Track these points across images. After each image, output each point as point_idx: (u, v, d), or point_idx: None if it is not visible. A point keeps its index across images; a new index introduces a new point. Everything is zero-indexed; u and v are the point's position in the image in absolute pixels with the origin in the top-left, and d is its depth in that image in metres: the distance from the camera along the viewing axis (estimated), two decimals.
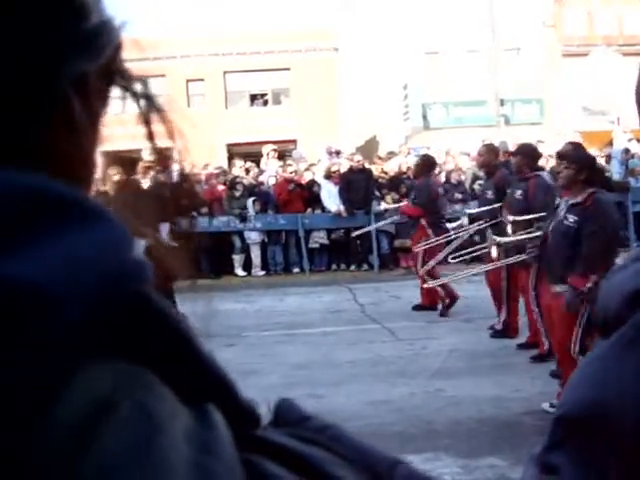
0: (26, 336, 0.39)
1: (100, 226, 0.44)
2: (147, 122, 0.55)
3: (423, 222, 10.19)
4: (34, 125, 0.47)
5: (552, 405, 5.48)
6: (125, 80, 0.54)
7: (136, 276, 0.45)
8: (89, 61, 0.49)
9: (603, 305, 0.76)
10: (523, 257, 6.44)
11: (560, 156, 5.87)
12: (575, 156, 5.58)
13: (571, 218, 5.38)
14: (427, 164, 10.88)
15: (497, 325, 8.60)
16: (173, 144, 0.56)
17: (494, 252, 6.93)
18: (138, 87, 0.55)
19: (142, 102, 0.55)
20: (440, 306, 10.07)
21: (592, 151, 16.27)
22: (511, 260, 6.79)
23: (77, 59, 0.48)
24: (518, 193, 7.52)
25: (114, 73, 0.53)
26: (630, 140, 16.92)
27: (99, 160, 0.53)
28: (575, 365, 5.57)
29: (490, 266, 7.18)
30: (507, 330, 8.28)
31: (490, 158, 9.00)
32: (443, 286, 9.92)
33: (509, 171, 8.35)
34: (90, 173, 0.53)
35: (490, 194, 8.60)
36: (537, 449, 0.78)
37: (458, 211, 15.20)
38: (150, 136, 0.55)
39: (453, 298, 9.99)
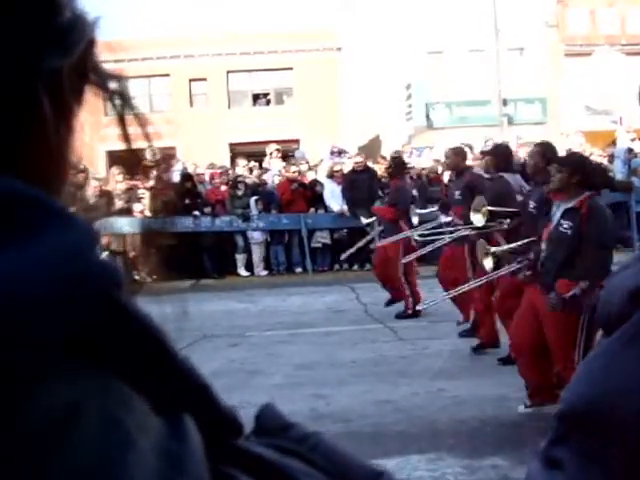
0: None
1: (64, 230, 0.43)
2: (122, 121, 0.53)
3: (402, 224, 10.11)
4: (4, 125, 0.45)
5: (526, 406, 5.51)
6: (100, 77, 0.52)
7: (107, 280, 0.43)
8: (62, 57, 0.48)
9: (606, 303, 0.77)
10: (514, 267, 6.33)
11: (552, 160, 5.85)
12: (567, 159, 5.56)
13: (565, 224, 5.30)
14: (400, 164, 10.91)
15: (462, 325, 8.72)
16: (149, 145, 0.55)
17: (489, 263, 6.79)
18: (113, 85, 0.53)
19: (117, 101, 0.53)
20: (405, 305, 10.05)
21: (595, 151, 16.32)
22: (503, 271, 6.68)
23: (50, 55, 0.47)
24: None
25: (88, 70, 0.51)
26: (633, 140, 16.90)
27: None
28: (537, 366, 5.60)
29: (484, 279, 7.01)
30: (476, 329, 8.14)
31: (457, 161, 9.02)
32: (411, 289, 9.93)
33: (513, 171, 8.31)
34: (63, 172, 0.51)
35: (457, 194, 8.58)
36: (542, 444, 0.79)
37: None
38: (125, 137, 0.54)
39: (417, 299, 9.98)
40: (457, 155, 9.05)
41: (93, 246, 0.43)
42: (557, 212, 5.43)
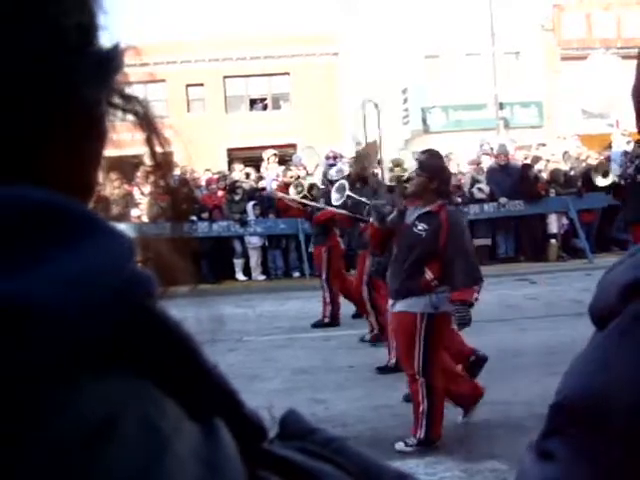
0: (28, 352, 0.39)
1: (101, 239, 0.44)
2: (150, 146, 0.55)
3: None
4: (38, 139, 0.47)
5: (407, 444, 5.21)
6: (123, 99, 0.53)
7: (139, 289, 0.44)
8: (100, 84, 0.50)
9: (599, 298, 0.78)
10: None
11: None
12: (428, 165, 5.41)
13: (420, 226, 5.19)
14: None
15: (367, 336, 8.77)
16: (151, 150, 0.56)
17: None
18: (138, 107, 0.54)
19: (142, 123, 0.54)
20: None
21: (592, 154, 16.33)
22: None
23: (90, 83, 0.49)
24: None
25: (114, 91, 0.53)
26: (629, 143, 16.92)
27: (100, 172, 0.53)
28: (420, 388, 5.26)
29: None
30: (383, 334, 8.09)
31: (358, 169, 9.07)
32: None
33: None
34: (90, 187, 0.52)
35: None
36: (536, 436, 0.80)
37: None
38: (154, 157, 0.55)
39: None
40: (358, 163, 9.20)
41: (132, 255, 0.45)
42: (412, 216, 5.31)
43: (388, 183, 8.39)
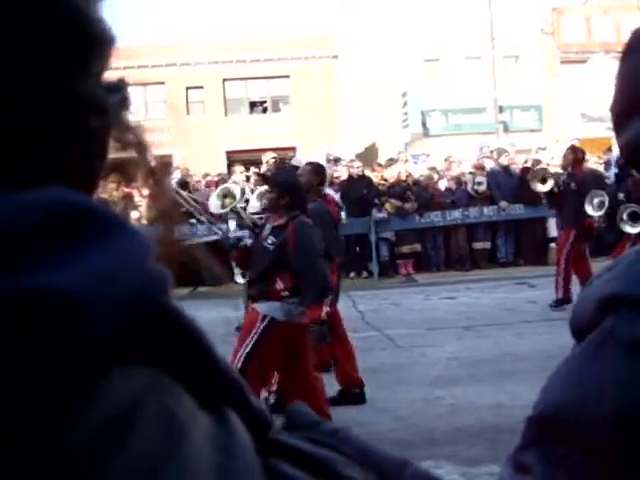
0: (60, 341, 0.41)
1: (126, 238, 0.46)
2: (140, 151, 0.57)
3: None
4: (58, 142, 0.49)
5: None
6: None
7: (159, 286, 0.47)
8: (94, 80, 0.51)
9: (578, 312, 0.80)
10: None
11: (267, 180, 5.95)
12: (278, 182, 5.60)
13: (270, 240, 5.35)
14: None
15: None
16: (147, 153, 0.58)
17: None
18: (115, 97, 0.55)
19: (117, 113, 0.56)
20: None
21: (591, 158, 16.34)
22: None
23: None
24: None
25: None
26: None
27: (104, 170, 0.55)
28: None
29: None
30: None
31: (310, 178, 9.11)
32: None
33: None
34: (93, 185, 0.54)
35: None
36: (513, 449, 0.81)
37: (458, 217, 15.24)
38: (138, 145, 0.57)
39: None
40: (310, 174, 9.17)
41: (152, 253, 0.47)
42: (266, 231, 5.51)
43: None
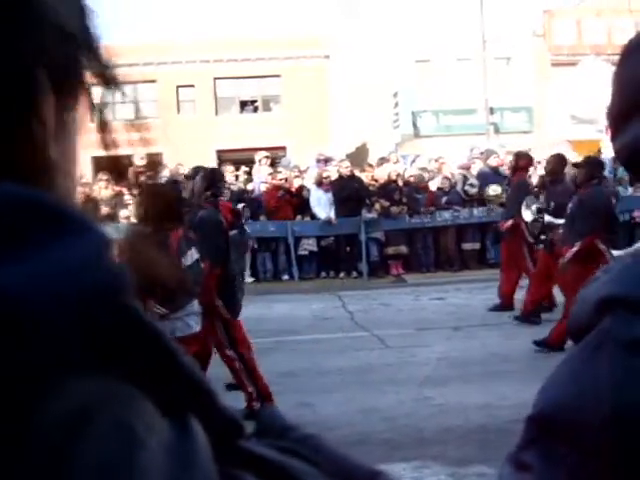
0: (2, 347, 0.39)
1: (79, 234, 0.44)
2: (105, 128, 0.55)
3: None
4: (15, 132, 0.47)
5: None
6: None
7: (118, 287, 0.44)
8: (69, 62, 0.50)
9: (576, 313, 0.81)
10: None
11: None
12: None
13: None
14: None
15: None
16: (136, 151, 0.57)
17: None
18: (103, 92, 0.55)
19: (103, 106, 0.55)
20: None
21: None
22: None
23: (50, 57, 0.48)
24: None
25: (82, 76, 0.53)
26: None
27: (87, 167, 0.53)
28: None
29: None
30: None
31: (200, 185, 9.17)
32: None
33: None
34: (70, 180, 0.53)
35: None
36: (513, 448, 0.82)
37: (448, 218, 15.26)
38: (108, 143, 0.56)
39: None
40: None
41: (107, 250, 0.45)
42: None
43: None
